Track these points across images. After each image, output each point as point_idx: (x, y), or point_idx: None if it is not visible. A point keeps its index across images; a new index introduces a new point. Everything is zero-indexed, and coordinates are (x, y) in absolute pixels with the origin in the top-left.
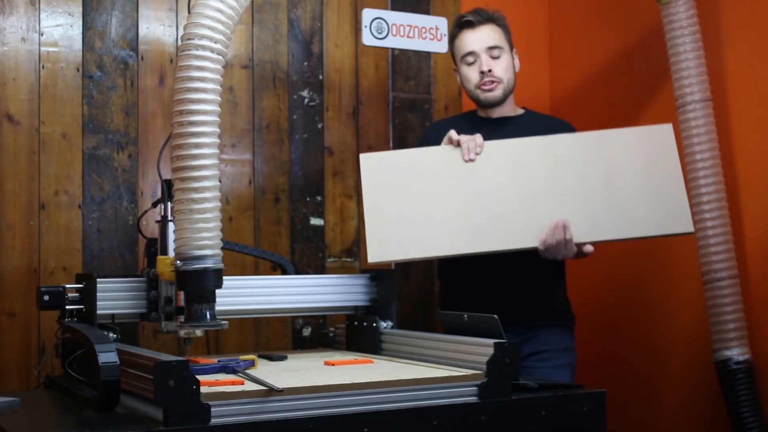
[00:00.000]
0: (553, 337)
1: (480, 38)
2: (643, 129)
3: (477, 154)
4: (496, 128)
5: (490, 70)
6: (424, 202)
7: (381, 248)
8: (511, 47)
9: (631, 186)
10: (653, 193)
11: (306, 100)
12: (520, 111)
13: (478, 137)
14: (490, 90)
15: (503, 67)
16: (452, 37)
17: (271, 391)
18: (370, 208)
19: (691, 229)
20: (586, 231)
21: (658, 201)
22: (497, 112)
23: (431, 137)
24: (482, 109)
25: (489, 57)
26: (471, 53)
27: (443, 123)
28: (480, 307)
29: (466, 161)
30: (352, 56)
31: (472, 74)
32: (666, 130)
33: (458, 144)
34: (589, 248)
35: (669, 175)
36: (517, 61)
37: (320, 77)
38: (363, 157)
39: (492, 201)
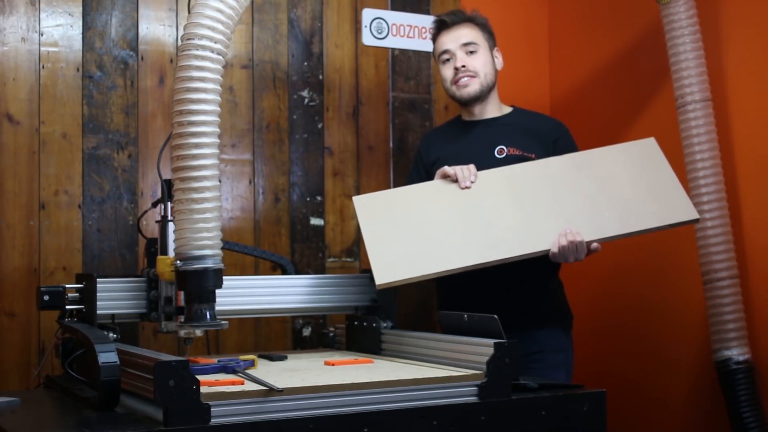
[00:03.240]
0: (546, 339)
1: (455, 37)
2: (627, 144)
3: (472, 181)
4: (482, 130)
5: (464, 66)
6: (425, 224)
7: (387, 271)
8: (492, 46)
9: (627, 187)
10: (650, 191)
11: (306, 100)
12: (508, 110)
13: (471, 166)
14: (466, 85)
15: (480, 63)
16: (433, 40)
17: (271, 391)
18: (370, 238)
19: (696, 215)
20: (592, 230)
21: (656, 196)
22: (481, 113)
23: (423, 150)
24: (466, 112)
25: (464, 53)
26: (446, 51)
27: (433, 134)
28: (473, 310)
29: (463, 189)
30: (352, 56)
31: (447, 72)
32: (650, 143)
33: (454, 177)
34: (595, 245)
35: (661, 175)
36: (499, 61)
37: (320, 77)
38: (356, 199)
39: (494, 215)
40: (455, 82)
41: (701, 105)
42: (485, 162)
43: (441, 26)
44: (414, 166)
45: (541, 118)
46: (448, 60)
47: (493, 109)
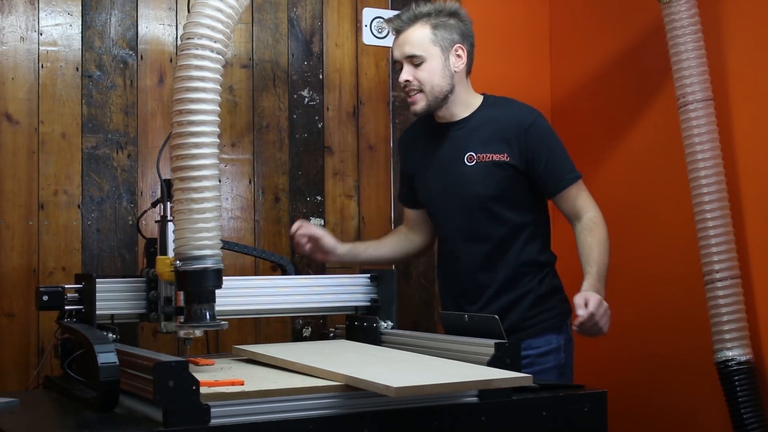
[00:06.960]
0: (534, 341)
1: (401, 44)
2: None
3: None
4: (453, 135)
5: (407, 80)
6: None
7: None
8: (448, 47)
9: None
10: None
11: (306, 100)
12: (477, 102)
13: None
14: (412, 102)
15: (426, 74)
16: None
17: (271, 391)
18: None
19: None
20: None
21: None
22: (449, 116)
23: (401, 156)
24: (435, 114)
25: (410, 65)
26: (396, 62)
27: (409, 134)
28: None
29: None
30: (353, 55)
31: (400, 81)
32: None
33: None
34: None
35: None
36: (460, 61)
37: (320, 77)
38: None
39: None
40: (406, 95)
41: (702, 104)
42: (456, 170)
43: (394, 31)
44: (400, 176)
45: (511, 108)
46: (400, 70)
47: (461, 108)
